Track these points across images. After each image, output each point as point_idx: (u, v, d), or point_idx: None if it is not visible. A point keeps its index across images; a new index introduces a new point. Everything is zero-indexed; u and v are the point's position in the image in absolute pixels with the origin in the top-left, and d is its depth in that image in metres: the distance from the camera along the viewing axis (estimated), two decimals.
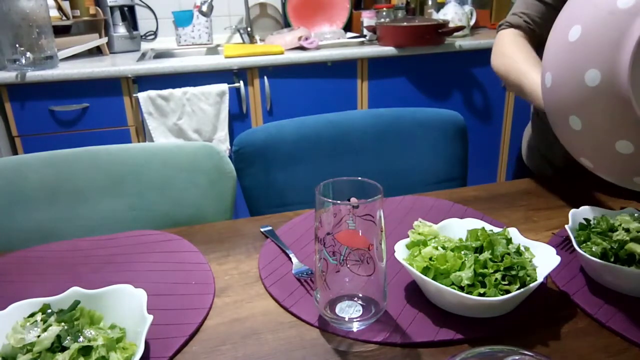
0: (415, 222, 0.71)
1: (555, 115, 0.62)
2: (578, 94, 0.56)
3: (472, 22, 2.45)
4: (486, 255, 0.62)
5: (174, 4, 2.49)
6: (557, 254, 0.63)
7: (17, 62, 1.88)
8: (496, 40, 1.04)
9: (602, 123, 0.55)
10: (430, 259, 0.63)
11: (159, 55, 2.34)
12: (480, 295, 0.58)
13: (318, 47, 2.16)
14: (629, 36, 0.50)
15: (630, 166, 0.56)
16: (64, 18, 2.12)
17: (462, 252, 0.63)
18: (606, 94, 0.53)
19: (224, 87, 2.01)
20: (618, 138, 0.54)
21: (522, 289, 0.58)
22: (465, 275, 0.59)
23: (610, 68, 0.52)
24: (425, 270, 0.62)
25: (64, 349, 0.53)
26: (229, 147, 2.09)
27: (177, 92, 1.96)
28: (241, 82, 2.04)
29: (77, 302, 0.59)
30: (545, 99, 0.64)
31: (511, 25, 1.03)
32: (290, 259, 0.76)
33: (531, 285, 0.58)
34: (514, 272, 0.60)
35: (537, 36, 1.01)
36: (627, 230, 0.67)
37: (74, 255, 0.79)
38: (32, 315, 0.57)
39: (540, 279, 0.60)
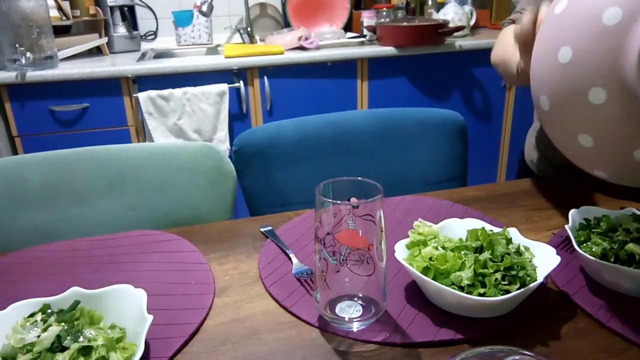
0: (415, 222, 0.71)
1: (561, 137, 0.63)
2: (583, 114, 0.57)
3: (472, 22, 2.45)
4: (486, 255, 0.62)
5: (174, 4, 2.49)
6: (557, 254, 0.63)
7: (17, 62, 1.88)
8: (497, 38, 1.05)
9: (615, 135, 0.56)
10: (430, 259, 0.63)
11: (159, 55, 2.34)
12: (480, 295, 0.58)
13: (318, 47, 2.16)
14: (628, 50, 0.51)
15: None
16: (64, 18, 2.12)
17: (462, 252, 0.63)
18: (616, 108, 0.54)
19: (224, 87, 2.01)
20: (636, 147, 0.56)
21: (522, 289, 0.58)
22: (465, 275, 0.59)
23: (615, 84, 0.53)
24: (425, 270, 0.62)
25: (64, 349, 0.53)
26: (229, 147, 2.09)
27: (177, 92, 1.97)
28: (241, 82, 2.04)
29: (77, 302, 0.59)
30: (544, 121, 0.65)
31: (513, 22, 1.04)
32: (290, 259, 0.76)
33: (531, 285, 0.58)
34: (514, 272, 0.60)
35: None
36: (628, 231, 0.67)
37: (74, 255, 0.79)
38: (32, 315, 0.57)
39: (540, 279, 0.60)
